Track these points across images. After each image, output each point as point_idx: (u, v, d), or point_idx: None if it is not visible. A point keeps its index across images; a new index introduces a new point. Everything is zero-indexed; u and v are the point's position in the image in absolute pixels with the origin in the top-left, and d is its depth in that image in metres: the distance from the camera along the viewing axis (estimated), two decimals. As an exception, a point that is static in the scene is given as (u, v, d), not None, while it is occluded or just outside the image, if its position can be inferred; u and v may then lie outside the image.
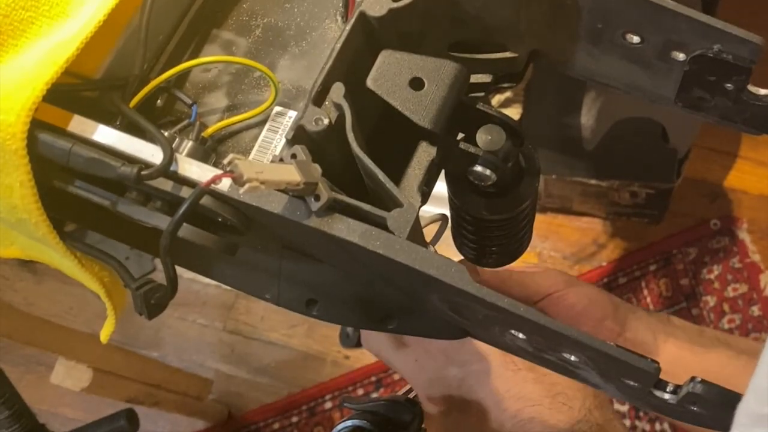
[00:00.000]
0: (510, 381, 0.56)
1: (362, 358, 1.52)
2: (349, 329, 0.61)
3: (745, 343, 0.65)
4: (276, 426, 1.51)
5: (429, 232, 0.51)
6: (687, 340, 0.65)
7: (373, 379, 1.50)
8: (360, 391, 1.50)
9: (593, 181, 1.42)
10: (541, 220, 1.53)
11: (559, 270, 0.68)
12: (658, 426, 1.40)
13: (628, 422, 1.41)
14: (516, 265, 0.58)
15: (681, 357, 0.63)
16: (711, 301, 1.46)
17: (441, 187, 0.47)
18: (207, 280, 1.55)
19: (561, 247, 1.53)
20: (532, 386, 0.55)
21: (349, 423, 0.61)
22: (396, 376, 1.49)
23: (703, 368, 0.61)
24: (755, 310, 1.45)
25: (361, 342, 0.65)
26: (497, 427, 0.57)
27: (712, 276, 1.48)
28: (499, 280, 0.63)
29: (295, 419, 1.51)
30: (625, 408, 1.41)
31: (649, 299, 1.49)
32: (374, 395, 1.48)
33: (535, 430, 0.55)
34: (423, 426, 0.63)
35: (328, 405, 1.50)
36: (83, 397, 1.17)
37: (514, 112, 1.37)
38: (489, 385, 0.57)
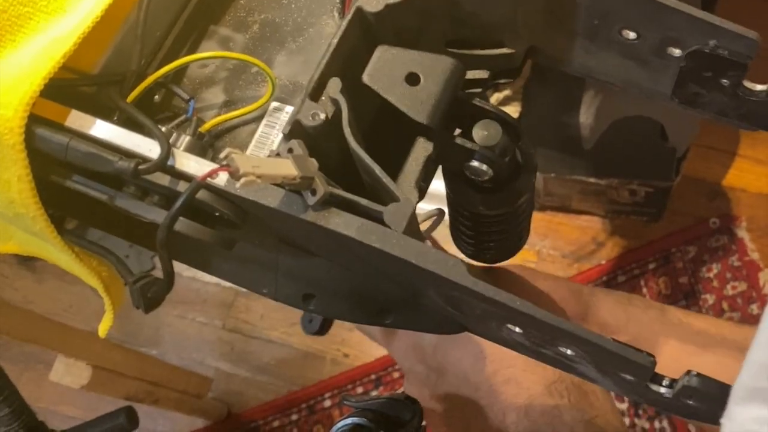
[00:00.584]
0: (483, 343, 0.56)
1: (362, 356, 1.52)
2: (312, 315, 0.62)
3: (704, 322, 0.65)
4: (276, 424, 1.51)
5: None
6: (647, 323, 0.65)
7: (373, 377, 1.50)
8: (359, 389, 1.50)
9: (592, 180, 1.42)
10: (540, 219, 1.53)
11: (516, 264, 0.69)
12: (657, 424, 1.40)
13: (627, 420, 1.41)
14: (513, 262, 0.59)
15: (641, 337, 0.63)
16: (710, 299, 1.46)
17: (438, 183, 0.47)
18: (207, 278, 1.55)
19: (560, 246, 1.53)
20: (506, 348, 0.56)
21: (348, 421, 0.61)
22: (396, 375, 1.50)
23: (665, 345, 0.61)
24: (754, 309, 1.45)
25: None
26: (474, 388, 0.57)
27: (711, 274, 1.48)
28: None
29: (294, 417, 1.51)
30: (624, 406, 1.41)
31: (648, 297, 1.49)
32: (374, 393, 1.49)
33: (511, 392, 0.56)
34: (423, 424, 0.63)
35: (328, 403, 1.51)
36: (82, 395, 1.17)
37: (512, 111, 1.37)
38: (463, 348, 0.57)
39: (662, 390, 0.38)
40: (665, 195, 1.43)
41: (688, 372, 0.37)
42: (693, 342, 0.61)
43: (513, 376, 0.56)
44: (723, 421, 0.33)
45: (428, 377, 0.59)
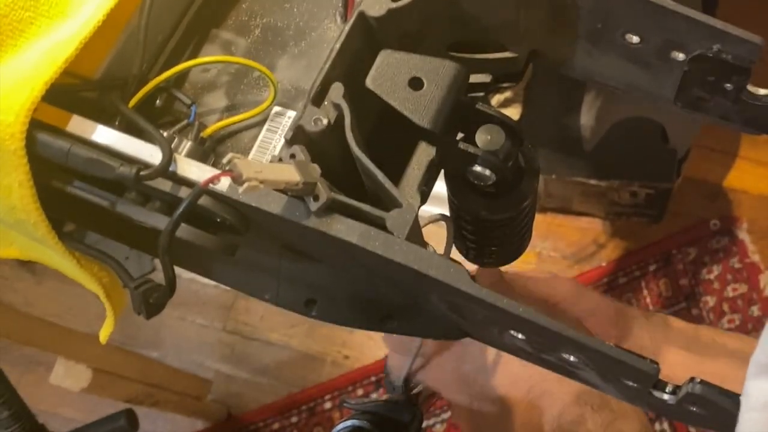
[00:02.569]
0: (516, 364, 0.60)
1: (362, 358, 1.52)
2: (395, 381, 0.68)
3: (738, 342, 0.67)
4: (276, 426, 1.51)
5: (430, 233, 0.51)
6: (684, 345, 0.67)
7: (373, 379, 1.50)
8: (360, 392, 1.50)
9: (593, 181, 1.41)
10: (540, 220, 1.53)
11: (567, 278, 0.72)
12: (657, 426, 1.40)
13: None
14: (516, 264, 0.59)
15: (677, 362, 0.66)
16: (711, 301, 1.46)
17: (441, 187, 0.47)
18: (206, 280, 1.54)
19: (561, 247, 1.53)
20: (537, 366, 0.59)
21: (348, 423, 0.61)
22: (396, 377, 1.49)
23: (699, 371, 0.65)
24: (755, 311, 1.45)
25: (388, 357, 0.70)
26: (514, 406, 0.61)
27: (711, 276, 1.48)
28: (507, 284, 0.66)
29: (294, 419, 1.51)
30: (624, 408, 1.41)
31: (648, 299, 1.49)
32: (374, 396, 1.48)
33: (546, 404, 0.60)
34: (423, 426, 0.64)
35: (328, 405, 1.50)
36: (83, 397, 1.17)
37: (514, 112, 1.37)
38: (500, 373, 0.62)
39: (665, 397, 0.38)
40: (666, 196, 1.43)
41: (692, 379, 0.37)
42: (730, 368, 0.63)
43: (548, 389, 0.60)
44: (741, 398, 0.35)
45: (472, 404, 0.64)
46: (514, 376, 0.61)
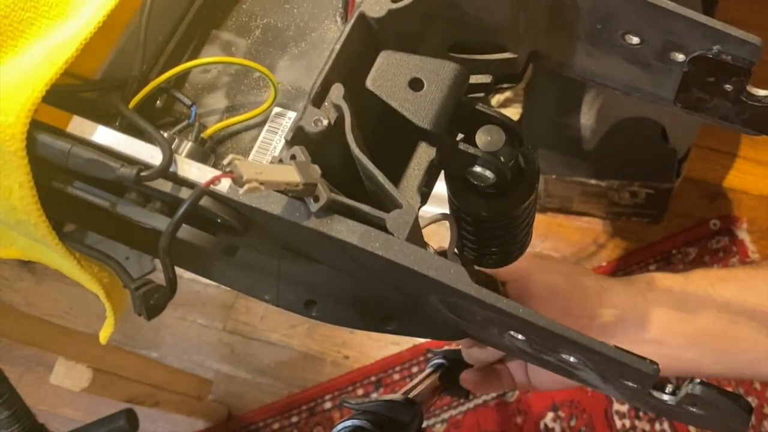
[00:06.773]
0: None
1: (362, 358, 1.52)
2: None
3: (735, 289, 0.63)
4: (276, 426, 1.51)
5: (431, 233, 0.51)
6: (670, 304, 0.63)
7: (373, 379, 1.50)
8: (360, 392, 1.50)
9: (593, 181, 1.41)
10: (541, 220, 1.53)
11: (536, 253, 0.64)
12: (657, 426, 1.39)
13: (627, 422, 1.41)
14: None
15: (662, 324, 0.61)
16: (711, 301, 1.46)
17: (441, 187, 0.47)
18: (207, 281, 1.54)
19: (561, 247, 1.53)
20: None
21: (348, 423, 0.61)
22: (396, 377, 1.50)
23: (693, 329, 0.60)
24: (755, 310, 1.45)
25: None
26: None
27: (711, 276, 1.48)
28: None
29: (295, 419, 1.51)
30: (624, 408, 1.41)
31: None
32: (374, 395, 1.48)
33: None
34: (423, 426, 0.63)
35: (328, 405, 1.50)
36: (83, 398, 1.17)
37: (514, 112, 1.37)
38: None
39: (665, 397, 0.38)
40: (666, 196, 1.43)
41: (692, 380, 0.37)
42: (724, 320, 0.59)
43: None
44: None
45: None
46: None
